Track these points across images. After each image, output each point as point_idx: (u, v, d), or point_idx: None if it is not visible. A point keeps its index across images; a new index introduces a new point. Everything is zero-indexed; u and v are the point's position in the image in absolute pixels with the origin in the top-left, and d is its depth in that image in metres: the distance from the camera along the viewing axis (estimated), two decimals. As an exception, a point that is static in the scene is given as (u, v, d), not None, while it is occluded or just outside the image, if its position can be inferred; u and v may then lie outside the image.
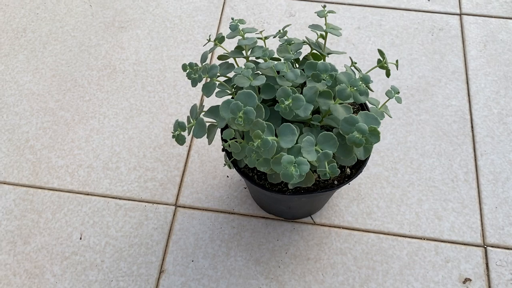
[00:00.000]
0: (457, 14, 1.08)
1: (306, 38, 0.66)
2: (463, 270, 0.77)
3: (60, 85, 0.98)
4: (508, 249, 0.78)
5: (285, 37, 0.64)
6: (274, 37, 0.67)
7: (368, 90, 0.56)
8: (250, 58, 0.66)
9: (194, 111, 0.60)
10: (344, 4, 1.10)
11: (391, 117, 0.62)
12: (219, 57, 0.68)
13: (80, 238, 0.81)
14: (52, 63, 1.01)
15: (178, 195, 0.85)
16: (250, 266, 0.77)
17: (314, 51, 0.67)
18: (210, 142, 0.62)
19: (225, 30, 1.05)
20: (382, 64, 0.61)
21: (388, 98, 0.59)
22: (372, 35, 1.04)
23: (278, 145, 0.55)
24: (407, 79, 0.98)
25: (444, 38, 1.04)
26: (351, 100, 0.57)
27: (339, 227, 0.81)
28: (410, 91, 0.96)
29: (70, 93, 0.97)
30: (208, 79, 0.62)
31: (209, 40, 0.67)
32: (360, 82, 0.55)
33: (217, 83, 0.63)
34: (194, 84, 0.61)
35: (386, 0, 1.10)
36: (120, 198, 0.84)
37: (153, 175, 0.87)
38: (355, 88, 0.55)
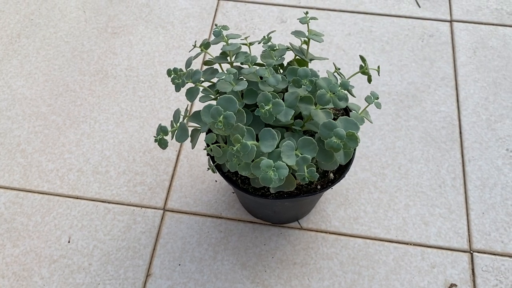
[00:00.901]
0: (447, 21, 1.08)
1: (290, 44, 0.67)
2: (449, 275, 0.77)
3: (52, 90, 0.99)
4: (494, 254, 0.79)
5: (269, 43, 0.65)
6: (259, 43, 0.68)
7: (348, 95, 0.57)
8: (234, 64, 0.67)
9: (177, 116, 0.61)
10: (335, 10, 1.11)
11: (371, 122, 0.62)
12: (205, 63, 0.69)
13: (69, 242, 0.81)
14: (45, 68, 1.02)
15: (166, 199, 0.85)
16: (236, 270, 0.78)
17: (298, 57, 0.67)
18: (193, 147, 0.62)
19: (217, 36, 1.06)
20: (363, 70, 0.61)
21: (367, 104, 0.60)
22: (362, 41, 1.05)
23: (259, 150, 0.55)
24: (397, 85, 0.98)
25: (434, 44, 1.04)
26: (331, 106, 0.57)
27: (326, 232, 0.81)
28: (400, 97, 0.97)
29: (62, 97, 0.98)
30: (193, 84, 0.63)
31: (194, 46, 0.68)
32: (339, 87, 0.55)
33: (201, 88, 0.63)
34: (177, 89, 0.62)
35: (377, 7, 1.11)
36: (109, 202, 0.85)
37: (142, 179, 0.87)
38: (334, 93, 0.55)
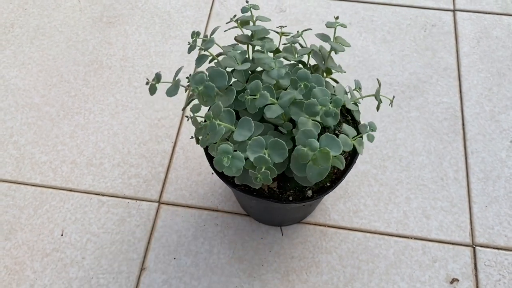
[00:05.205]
0: (450, 10, 1.06)
1: (317, 46, 0.65)
2: (451, 270, 0.75)
3: (46, 81, 0.97)
4: (497, 249, 0.77)
5: (292, 38, 0.63)
6: (292, 37, 0.65)
7: (338, 114, 0.53)
8: (256, 48, 0.64)
9: (178, 72, 0.60)
10: (336, -1, 1.08)
11: (361, 154, 0.60)
12: (235, 38, 0.66)
13: (62, 235, 0.79)
14: (39, 58, 1.00)
15: (162, 191, 0.83)
16: (233, 264, 0.76)
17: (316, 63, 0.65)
18: (183, 108, 0.62)
19: (214, 26, 1.04)
20: (376, 95, 0.60)
21: (361, 134, 0.57)
22: (363, 31, 1.03)
23: (232, 138, 0.53)
24: (398, 75, 0.96)
25: (436, 34, 1.02)
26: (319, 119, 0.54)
27: (324, 225, 0.80)
28: (401, 88, 0.94)
29: (56, 88, 0.96)
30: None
31: (231, 20, 0.65)
32: (330, 103, 0.52)
33: (210, 57, 0.61)
34: (189, 50, 0.60)
35: (378, -4, 1.08)
36: (103, 195, 0.83)
37: (137, 171, 0.85)
38: (323, 107, 0.52)
